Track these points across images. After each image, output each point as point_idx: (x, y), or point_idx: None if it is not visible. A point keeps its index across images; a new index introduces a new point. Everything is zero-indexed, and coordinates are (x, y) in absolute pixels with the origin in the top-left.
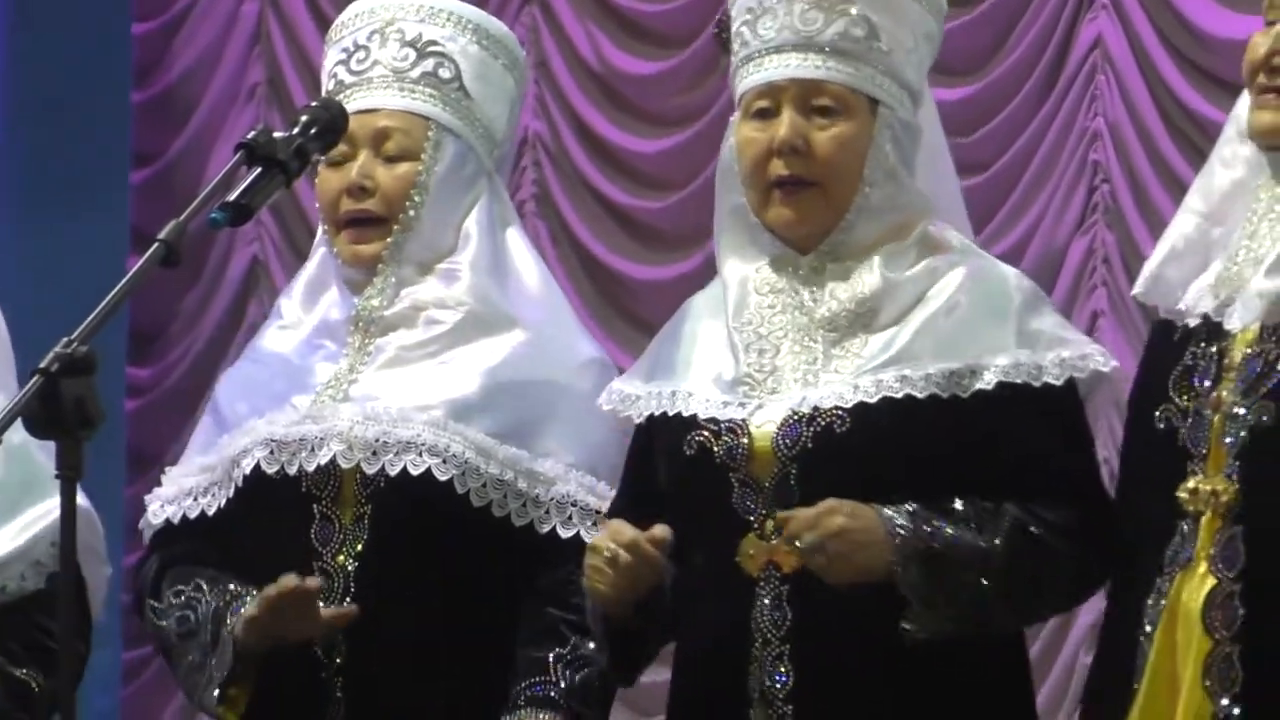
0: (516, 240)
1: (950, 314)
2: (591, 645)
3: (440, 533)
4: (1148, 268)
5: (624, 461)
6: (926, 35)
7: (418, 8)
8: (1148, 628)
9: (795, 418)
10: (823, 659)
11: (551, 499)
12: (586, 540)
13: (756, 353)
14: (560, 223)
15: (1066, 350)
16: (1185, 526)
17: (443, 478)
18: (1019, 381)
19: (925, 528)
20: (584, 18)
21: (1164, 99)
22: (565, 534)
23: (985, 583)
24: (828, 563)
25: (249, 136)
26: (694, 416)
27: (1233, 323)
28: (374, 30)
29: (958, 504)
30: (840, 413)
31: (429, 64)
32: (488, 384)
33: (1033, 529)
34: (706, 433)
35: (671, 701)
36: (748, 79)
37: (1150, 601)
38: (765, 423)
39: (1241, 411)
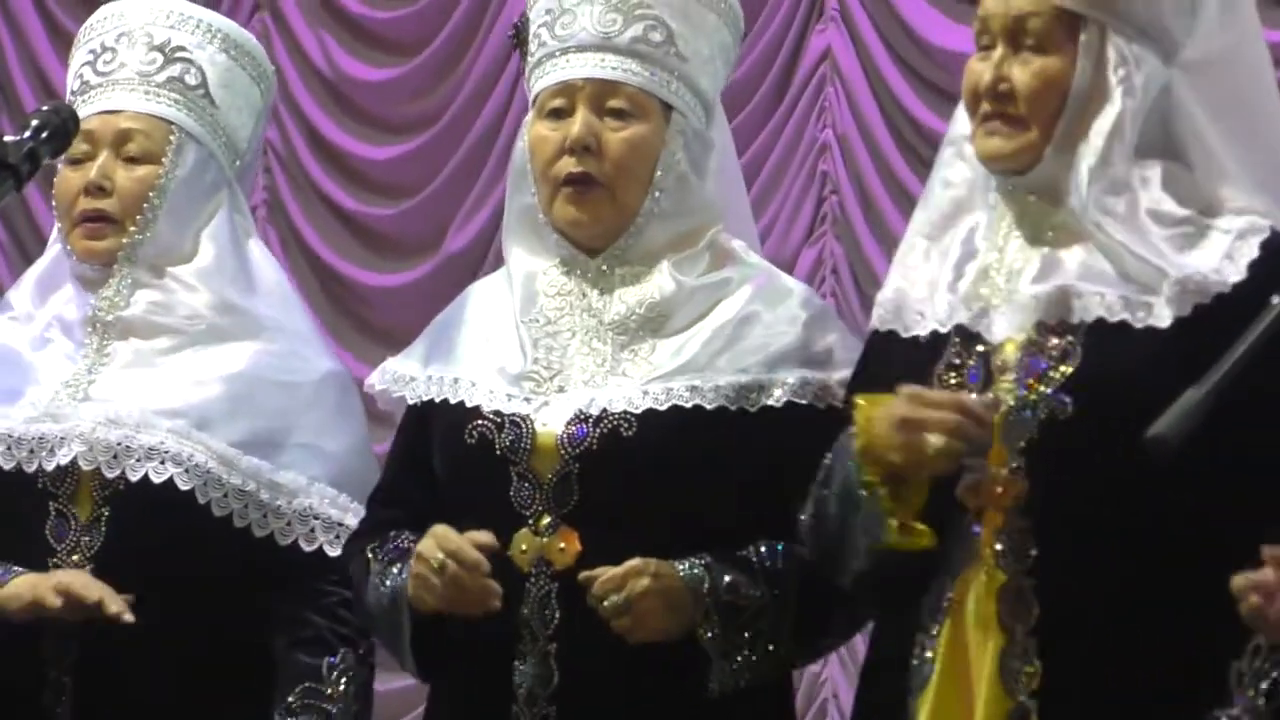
0: (258, 251)
1: (742, 326)
2: (357, 655)
3: (179, 540)
4: (883, 299)
5: (370, 469)
6: (722, 46)
7: (167, 14)
8: (928, 624)
9: (582, 417)
10: (588, 660)
11: (294, 511)
12: (330, 554)
13: (545, 349)
14: (290, 228)
15: (851, 371)
16: (965, 522)
17: (185, 487)
18: (806, 401)
19: (723, 582)
20: (315, 24)
21: (892, 111)
22: (308, 548)
23: (781, 632)
24: (633, 624)
25: None
26: (477, 407)
27: (997, 332)
28: (122, 33)
29: (749, 551)
30: (629, 417)
31: (175, 69)
32: (230, 392)
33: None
34: (489, 424)
35: (434, 693)
36: (544, 78)
37: (932, 600)
38: (551, 420)
39: (1030, 406)
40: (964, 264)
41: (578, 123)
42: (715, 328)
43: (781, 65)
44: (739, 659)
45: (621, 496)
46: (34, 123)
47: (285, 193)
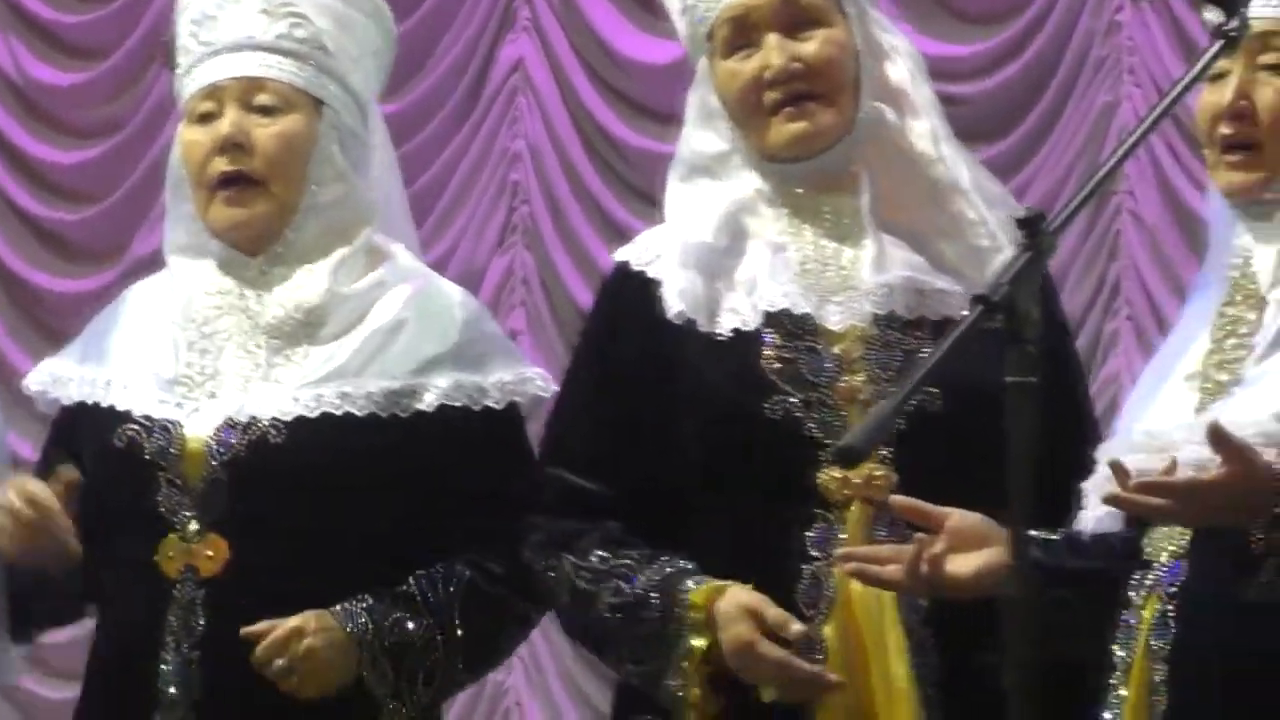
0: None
1: (394, 332)
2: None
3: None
4: (674, 298)
5: None
6: (372, 47)
7: None
8: (808, 613)
9: (231, 424)
10: (231, 668)
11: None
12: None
13: (199, 353)
14: None
15: (508, 373)
16: (831, 515)
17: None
18: (459, 404)
19: (386, 624)
20: (2, 27)
21: (583, 122)
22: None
23: (449, 659)
24: (300, 682)
25: None
26: (127, 411)
27: (838, 320)
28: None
29: (410, 584)
30: (278, 424)
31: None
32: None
33: (484, 590)
34: (138, 428)
35: (81, 700)
36: (191, 84)
37: (803, 589)
38: (201, 426)
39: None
40: (769, 256)
41: (226, 122)
42: (368, 334)
43: (473, 75)
44: (411, 699)
45: (271, 504)
46: None
47: None
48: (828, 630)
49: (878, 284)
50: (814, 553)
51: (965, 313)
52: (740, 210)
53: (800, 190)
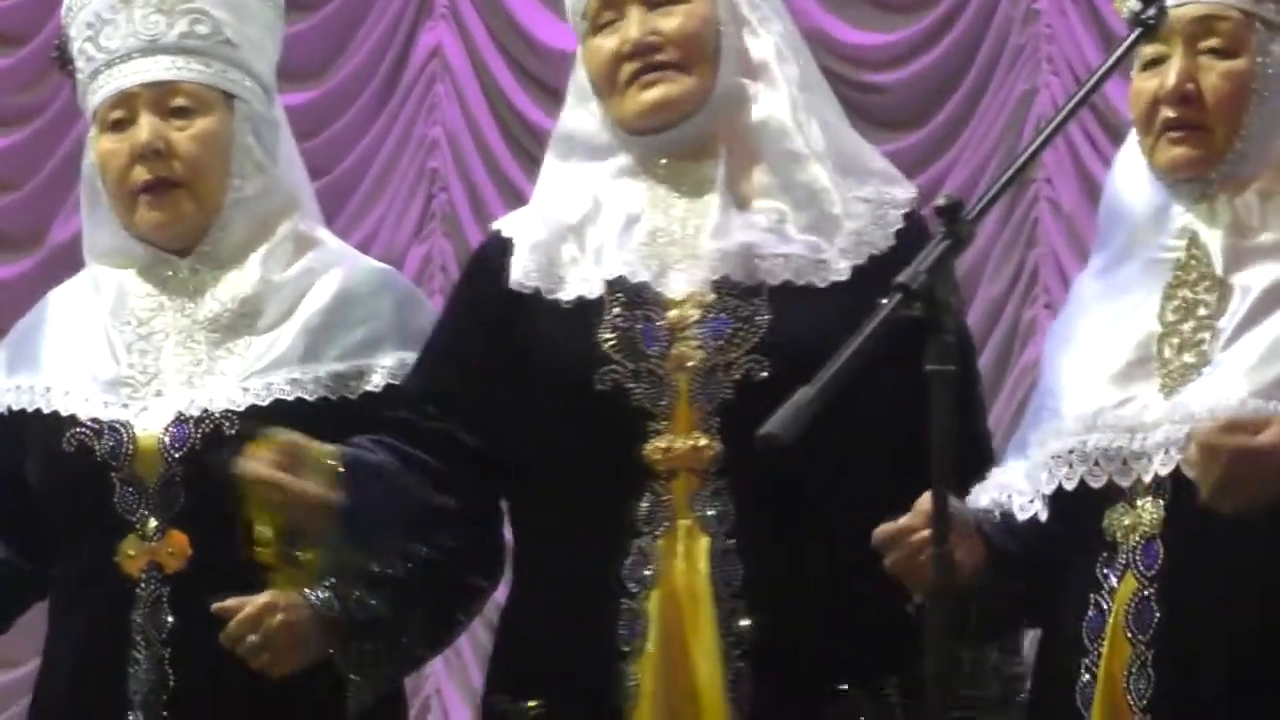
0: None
1: (332, 314)
2: None
3: None
4: (521, 266)
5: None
6: (268, 26)
7: None
8: (632, 588)
9: (183, 419)
10: (204, 663)
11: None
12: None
13: (138, 353)
14: None
15: None
16: (658, 486)
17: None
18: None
19: (350, 601)
20: None
21: (501, 108)
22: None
23: (411, 635)
24: (272, 659)
25: None
26: (73, 415)
27: (679, 287)
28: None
29: (372, 565)
30: (230, 415)
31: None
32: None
33: (440, 565)
34: (87, 431)
35: (37, 705)
36: (99, 92)
37: (629, 564)
38: (151, 424)
39: (722, 367)
40: (620, 226)
41: (144, 129)
42: (307, 318)
43: (391, 62)
44: (376, 676)
45: (229, 496)
46: None
47: None
48: (651, 603)
49: (714, 250)
50: (641, 527)
51: (884, 300)
52: (603, 184)
53: (664, 162)
